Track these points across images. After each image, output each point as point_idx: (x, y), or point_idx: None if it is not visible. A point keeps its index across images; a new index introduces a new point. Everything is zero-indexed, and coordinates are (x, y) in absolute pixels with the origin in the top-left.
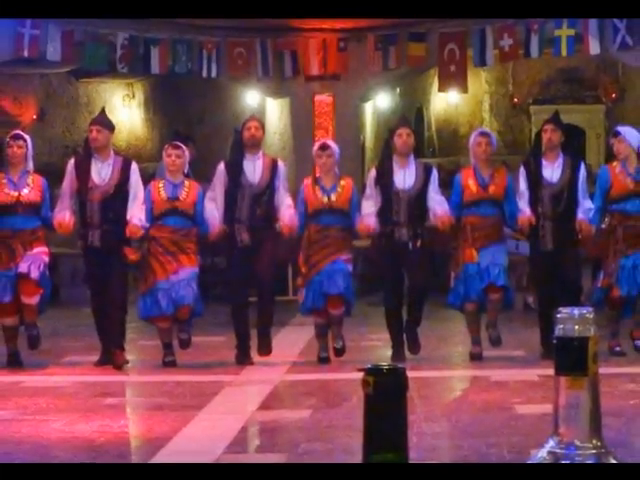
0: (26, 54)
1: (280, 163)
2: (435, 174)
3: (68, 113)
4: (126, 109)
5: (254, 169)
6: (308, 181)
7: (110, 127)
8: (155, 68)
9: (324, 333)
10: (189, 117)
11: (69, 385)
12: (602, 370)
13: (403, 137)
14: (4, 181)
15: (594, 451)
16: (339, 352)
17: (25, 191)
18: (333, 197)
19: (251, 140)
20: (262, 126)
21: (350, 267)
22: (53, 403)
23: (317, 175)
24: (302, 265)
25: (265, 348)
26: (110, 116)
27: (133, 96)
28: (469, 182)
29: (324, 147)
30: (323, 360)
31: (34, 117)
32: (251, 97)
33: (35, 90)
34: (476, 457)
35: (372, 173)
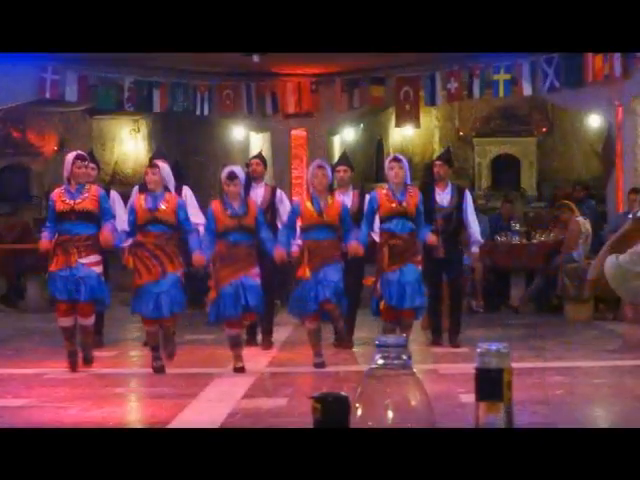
0: (48, 95)
1: (278, 190)
2: (367, 199)
3: (83, 144)
4: (132, 141)
5: (256, 195)
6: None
7: (96, 162)
8: (157, 107)
9: (319, 336)
10: (186, 148)
11: (84, 377)
12: (532, 365)
13: (340, 173)
14: (63, 192)
15: None
16: (319, 366)
17: (79, 200)
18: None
19: (253, 173)
20: (263, 162)
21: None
22: (70, 392)
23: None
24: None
25: (267, 343)
26: (118, 147)
27: (138, 130)
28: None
29: (321, 167)
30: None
31: (55, 148)
32: (237, 131)
33: (56, 125)
34: None
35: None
